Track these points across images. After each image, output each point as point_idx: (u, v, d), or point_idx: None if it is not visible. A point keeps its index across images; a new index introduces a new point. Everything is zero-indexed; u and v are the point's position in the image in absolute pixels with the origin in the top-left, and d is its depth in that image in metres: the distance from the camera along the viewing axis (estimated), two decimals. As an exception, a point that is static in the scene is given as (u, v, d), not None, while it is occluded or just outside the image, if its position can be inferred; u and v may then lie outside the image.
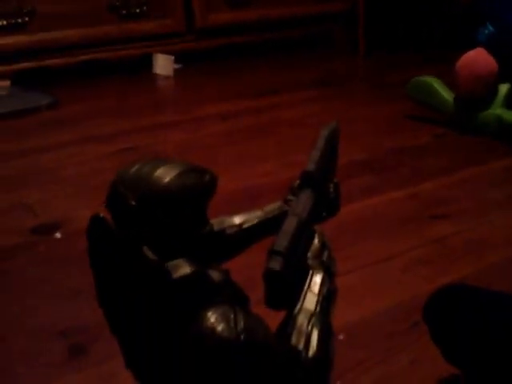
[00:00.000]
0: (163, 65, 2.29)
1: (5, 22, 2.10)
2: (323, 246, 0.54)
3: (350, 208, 1.13)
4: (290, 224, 0.48)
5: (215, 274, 0.45)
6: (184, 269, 0.43)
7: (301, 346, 0.46)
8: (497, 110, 1.44)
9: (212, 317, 0.42)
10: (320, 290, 0.50)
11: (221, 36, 2.42)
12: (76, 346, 0.82)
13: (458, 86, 1.48)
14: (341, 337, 0.74)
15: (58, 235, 1.12)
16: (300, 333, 0.47)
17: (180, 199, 0.44)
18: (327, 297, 0.50)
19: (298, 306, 0.48)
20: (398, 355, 0.76)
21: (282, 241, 0.46)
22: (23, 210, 1.23)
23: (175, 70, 2.30)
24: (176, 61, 2.33)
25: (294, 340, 0.46)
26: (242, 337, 0.42)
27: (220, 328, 0.41)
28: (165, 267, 0.43)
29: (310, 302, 0.49)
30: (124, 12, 2.26)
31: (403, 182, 1.26)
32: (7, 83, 2.15)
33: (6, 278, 1.00)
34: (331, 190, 0.60)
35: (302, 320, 0.47)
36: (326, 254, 0.54)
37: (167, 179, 0.44)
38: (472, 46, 1.48)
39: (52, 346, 0.82)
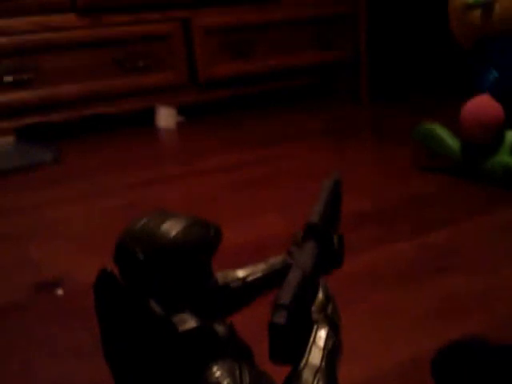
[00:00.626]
0: (166, 118, 2.33)
1: (11, 79, 2.14)
2: (327, 298, 0.54)
3: (357, 260, 1.13)
4: (294, 277, 0.48)
5: (220, 328, 0.46)
6: (190, 322, 0.44)
7: None
8: (504, 157, 1.45)
9: (217, 372, 0.43)
10: (325, 345, 0.49)
11: (224, 87, 2.46)
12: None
13: (464, 134, 1.50)
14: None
15: (60, 292, 1.12)
16: None
17: (186, 253, 0.46)
18: (332, 351, 0.50)
19: (303, 362, 0.48)
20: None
21: (286, 294, 0.46)
22: (27, 265, 1.23)
23: (178, 123, 2.34)
24: (179, 113, 2.37)
25: None
26: None
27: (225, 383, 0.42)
28: (171, 321, 0.43)
29: (315, 356, 0.48)
30: (128, 65, 2.31)
31: (411, 232, 1.25)
32: (11, 139, 2.19)
33: (8, 336, 0.99)
34: (335, 242, 0.59)
35: (307, 376, 0.47)
36: (330, 307, 0.54)
37: (173, 233, 0.46)
38: (477, 92, 1.50)
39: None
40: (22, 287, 1.14)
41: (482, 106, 1.46)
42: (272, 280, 0.57)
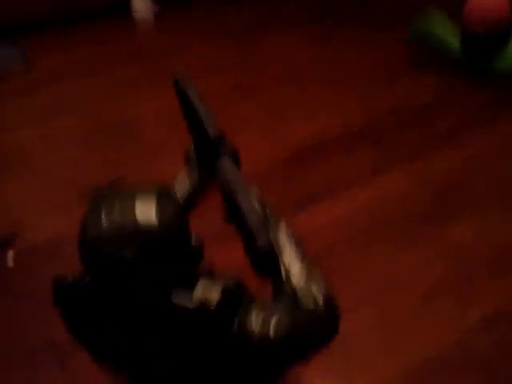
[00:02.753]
0: (142, 9, 2.05)
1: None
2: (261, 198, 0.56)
3: (355, 201, 0.95)
4: (246, 205, 0.52)
5: (224, 281, 0.49)
6: (212, 296, 0.47)
7: (311, 305, 0.49)
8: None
9: (258, 319, 0.47)
10: (290, 239, 0.52)
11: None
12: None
13: (468, 27, 1.25)
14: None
15: (10, 255, 0.93)
16: (303, 293, 0.50)
17: (173, 236, 0.47)
18: (298, 241, 0.53)
19: (283, 267, 0.51)
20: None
21: (259, 231, 0.51)
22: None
23: (154, 12, 2.05)
24: (155, 2, 2.07)
25: (304, 302, 0.50)
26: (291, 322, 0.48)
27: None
28: (202, 310, 0.46)
29: (290, 255, 0.52)
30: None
31: (410, 157, 1.06)
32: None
33: None
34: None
35: (296, 280, 0.51)
36: (268, 204, 0.55)
37: (152, 222, 0.45)
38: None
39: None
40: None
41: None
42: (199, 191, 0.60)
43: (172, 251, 0.46)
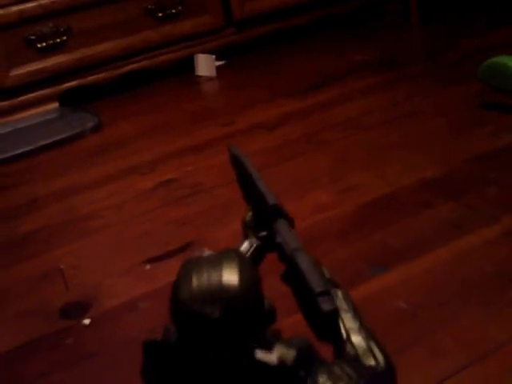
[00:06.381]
0: (205, 65, 1.97)
1: (44, 44, 1.82)
2: (318, 264, 0.52)
3: (434, 257, 0.79)
4: (306, 263, 0.47)
5: (295, 341, 0.46)
6: (289, 354, 0.44)
7: (372, 361, 0.47)
8: None
9: (328, 381, 0.44)
10: (348, 306, 0.50)
11: (261, 24, 2.06)
12: None
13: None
14: None
15: (86, 322, 0.86)
16: (364, 351, 0.47)
17: (253, 295, 0.45)
18: (355, 308, 0.50)
19: (343, 330, 0.48)
20: None
21: (316, 281, 0.45)
22: (55, 279, 0.98)
23: (218, 68, 1.97)
24: (219, 57, 2.00)
25: (365, 359, 0.47)
26: (363, 382, 0.44)
27: None
28: (284, 364, 0.44)
29: (349, 320, 0.49)
30: (160, 15, 1.93)
31: (493, 210, 0.89)
32: (55, 105, 1.89)
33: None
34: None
35: (357, 340, 0.48)
36: (325, 270, 0.53)
37: (236, 284, 0.45)
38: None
39: None
40: (46, 314, 0.90)
41: None
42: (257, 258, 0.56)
43: (251, 311, 0.45)
